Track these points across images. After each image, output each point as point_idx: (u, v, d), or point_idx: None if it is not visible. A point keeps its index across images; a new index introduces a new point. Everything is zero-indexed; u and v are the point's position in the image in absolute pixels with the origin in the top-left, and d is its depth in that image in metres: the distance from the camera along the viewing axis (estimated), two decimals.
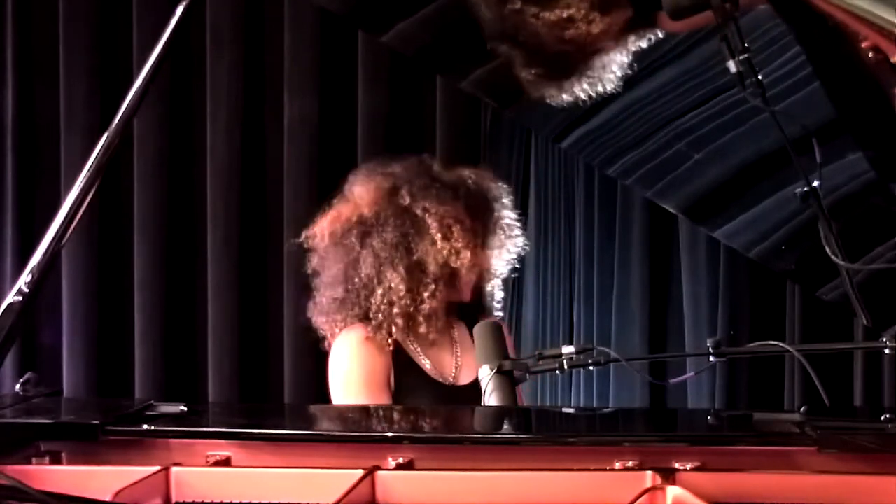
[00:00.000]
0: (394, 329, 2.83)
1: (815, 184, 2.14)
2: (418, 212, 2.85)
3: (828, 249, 2.17)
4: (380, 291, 2.82)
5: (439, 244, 2.83)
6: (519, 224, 3.04)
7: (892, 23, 1.76)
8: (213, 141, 4.26)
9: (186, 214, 4.35)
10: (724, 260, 3.92)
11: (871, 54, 1.87)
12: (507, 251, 3.00)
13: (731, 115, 2.53)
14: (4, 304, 1.88)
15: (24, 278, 1.90)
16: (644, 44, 2.16)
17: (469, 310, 2.96)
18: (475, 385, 2.80)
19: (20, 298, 1.88)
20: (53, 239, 1.94)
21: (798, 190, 2.17)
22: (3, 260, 4.39)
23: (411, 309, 2.82)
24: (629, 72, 2.20)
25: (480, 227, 2.91)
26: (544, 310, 4.13)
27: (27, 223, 4.36)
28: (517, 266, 3.09)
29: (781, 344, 2.17)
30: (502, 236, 2.98)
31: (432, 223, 2.84)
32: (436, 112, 4.14)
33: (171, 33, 2.09)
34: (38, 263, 1.92)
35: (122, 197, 4.33)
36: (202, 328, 4.31)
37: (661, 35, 2.33)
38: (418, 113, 4.19)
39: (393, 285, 2.82)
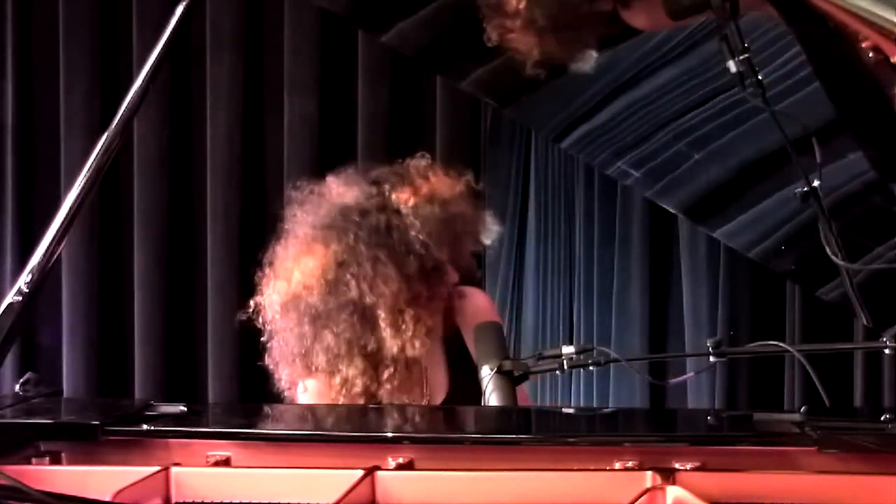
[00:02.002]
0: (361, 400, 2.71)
1: (815, 184, 2.14)
2: (367, 301, 2.68)
3: (828, 249, 2.17)
4: (338, 380, 2.70)
5: (392, 337, 2.68)
6: (484, 206, 2.93)
7: (893, 23, 1.76)
8: (213, 141, 4.26)
9: (186, 214, 4.35)
10: (724, 260, 3.92)
11: (871, 54, 1.87)
12: (478, 241, 2.87)
13: (731, 115, 2.53)
14: (4, 304, 1.88)
15: (24, 278, 1.90)
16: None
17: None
18: (449, 401, 2.79)
19: (20, 298, 1.88)
20: (53, 239, 1.94)
21: (798, 190, 2.17)
22: (3, 260, 4.39)
23: (374, 389, 2.70)
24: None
25: (447, 252, 2.74)
26: (544, 310, 4.13)
27: (27, 223, 4.36)
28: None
29: (781, 344, 2.17)
30: (473, 236, 2.85)
31: (382, 314, 2.67)
32: (436, 112, 4.14)
33: (171, 33, 2.09)
34: (38, 263, 1.92)
35: (122, 197, 4.33)
36: (202, 328, 4.31)
37: (659, 36, 2.34)
38: (418, 113, 4.19)
39: (350, 376, 2.69)
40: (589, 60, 2.17)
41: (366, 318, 2.69)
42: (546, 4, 2.02)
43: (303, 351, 2.74)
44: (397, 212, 2.73)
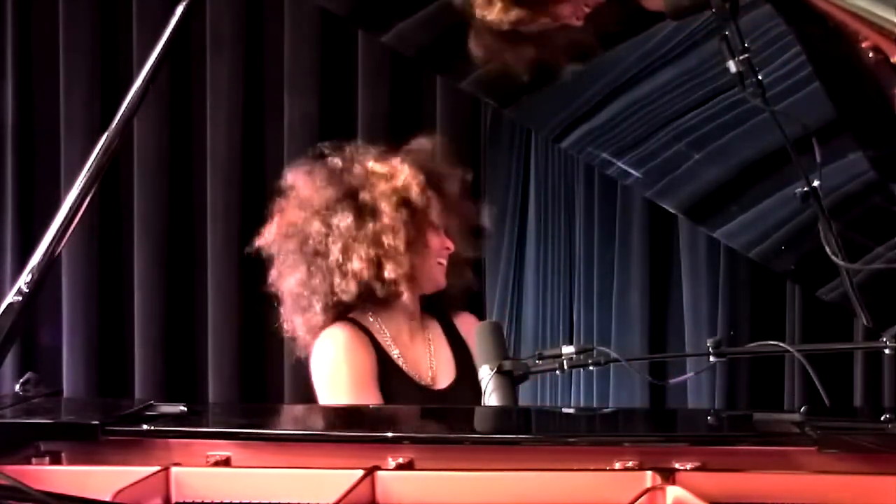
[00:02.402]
0: (369, 316, 2.82)
1: (815, 184, 2.14)
2: (366, 198, 2.81)
3: (828, 249, 2.17)
4: (351, 276, 2.79)
5: (392, 221, 2.79)
6: (476, 202, 3.02)
7: (893, 23, 1.77)
8: (213, 141, 4.26)
9: (186, 214, 4.35)
10: (724, 260, 3.91)
11: (871, 54, 1.87)
12: (469, 233, 2.96)
13: (731, 115, 2.53)
14: (4, 304, 1.89)
15: (24, 278, 1.90)
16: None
17: (438, 305, 2.95)
18: (453, 389, 2.82)
19: (20, 298, 1.89)
20: (53, 239, 1.94)
21: (798, 190, 2.17)
22: (3, 260, 4.39)
23: (378, 288, 2.79)
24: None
25: (437, 209, 2.87)
26: (544, 310, 4.13)
27: (27, 223, 4.36)
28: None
29: (781, 344, 2.17)
30: (460, 217, 2.94)
31: (382, 205, 2.80)
32: (436, 112, 4.14)
33: (171, 33, 2.10)
34: (38, 263, 1.92)
35: (122, 197, 4.32)
36: (202, 328, 4.31)
37: (659, 36, 2.34)
38: (418, 113, 4.18)
39: (359, 266, 2.78)
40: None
41: (366, 208, 2.81)
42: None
43: (305, 255, 2.82)
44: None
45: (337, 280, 2.80)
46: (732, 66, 1.99)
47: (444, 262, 2.90)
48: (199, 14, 4.13)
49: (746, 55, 1.98)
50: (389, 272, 2.78)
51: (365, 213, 2.80)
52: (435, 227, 2.87)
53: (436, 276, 2.90)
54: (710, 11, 1.98)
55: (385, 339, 2.86)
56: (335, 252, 2.80)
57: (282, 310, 2.94)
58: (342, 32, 4.14)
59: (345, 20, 3.88)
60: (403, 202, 2.81)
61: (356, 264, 2.78)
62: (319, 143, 2.98)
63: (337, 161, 2.88)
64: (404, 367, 2.85)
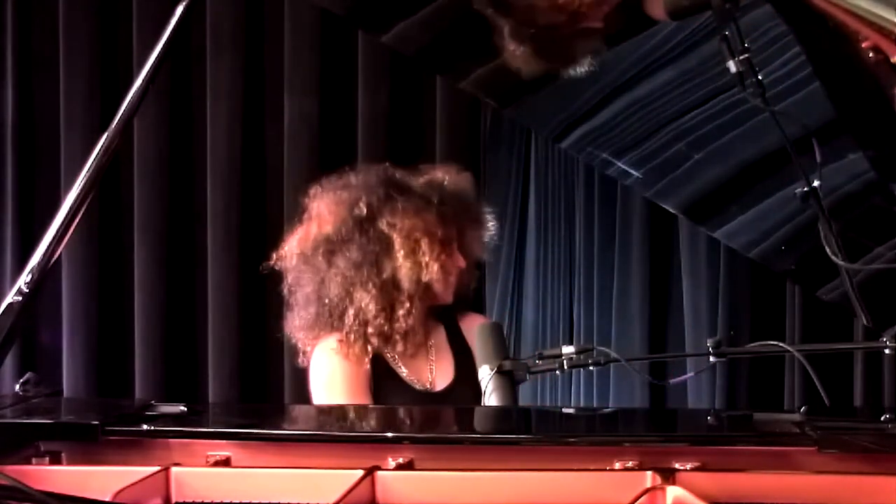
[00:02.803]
0: (369, 347, 2.80)
1: (816, 184, 2.14)
2: (382, 227, 2.80)
3: (828, 249, 2.17)
4: (352, 312, 2.79)
5: (407, 261, 2.78)
6: (489, 211, 3.01)
7: (893, 22, 1.77)
8: (213, 141, 4.26)
9: (186, 214, 4.35)
10: (724, 260, 3.91)
11: (871, 54, 1.87)
12: (480, 241, 2.97)
13: (731, 115, 2.52)
14: (4, 304, 1.88)
15: (24, 278, 1.90)
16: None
17: (446, 308, 2.93)
18: (451, 390, 2.83)
19: (20, 298, 1.88)
20: (53, 239, 1.94)
21: (798, 190, 2.17)
22: (3, 260, 4.39)
23: (386, 328, 2.79)
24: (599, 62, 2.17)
25: (455, 231, 2.87)
26: (544, 310, 4.13)
27: (27, 223, 4.36)
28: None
29: (781, 344, 2.17)
30: (479, 230, 2.95)
31: (397, 239, 2.79)
32: (436, 112, 4.14)
33: (171, 33, 2.10)
34: (38, 263, 1.92)
35: (122, 197, 4.33)
36: (202, 328, 4.31)
37: (659, 36, 2.33)
38: (418, 113, 4.18)
39: (363, 305, 2.78)
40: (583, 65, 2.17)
41: (380, 240, 2.79)
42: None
43: (317, 288, 2.82)
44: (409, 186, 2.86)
45: (343, 316, 2.81)
46: (732, 66, 1.99)
47: (454, 278, 2.89)
48: (199, 14, 4.13)
49: (746, 55, 1.98)
50: (399, 318, 2.79)
51: (378, 255, 2.79)
52: (450, 250, 2.86)
53: (445, 294, 2.88)
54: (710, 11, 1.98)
55: (382, 346, 2.83)
56: (343, 289, 2.80)
57: (288, 318, 2.94)
58: (342, 32, 4.14)
59: (345, 20, 3.88)
60: (417, 238, 2.80)
61: (363, 305, 2.78)
62: (348, 167, 2.97)
63: (356, 185, 2.86)
64: (402, 373, 2.85)
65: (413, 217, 2.80)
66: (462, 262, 2.89)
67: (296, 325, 2.90)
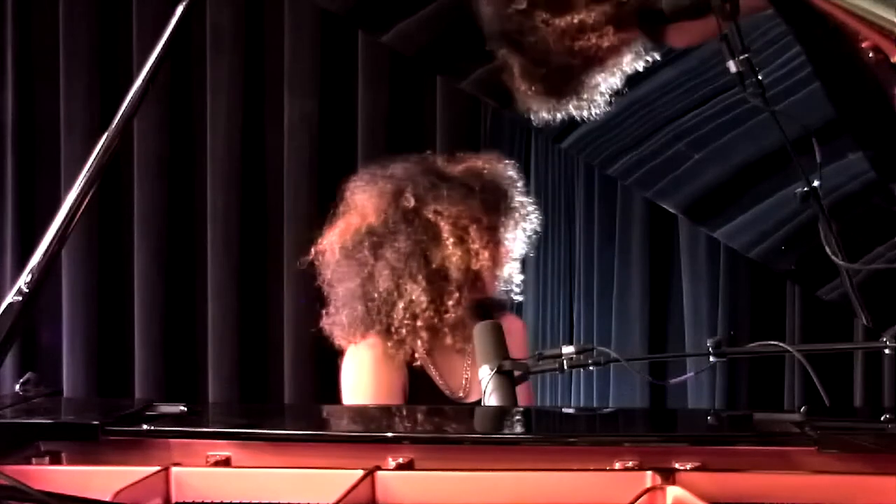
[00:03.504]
0: (419, 343, 2.74)
1: (816, 184, 2.14)
2: (429, 216, 2.73)
3: (828, 249, 2.17)
4: (401, 305, 2.72)
5: (456, 249, 2.72)
6: (531, 201, 2.94)
7: (893, 22, 1.76)
8: (213, 141, 4.26)
9: (186, 214, 4.35)
10: (724, 260, 3.92)
11: (871, 54, 1.87)
12: (523, 233, 2.89)
13: (731, 115, 2.53)
14: (4, 304, 1.88)
15: (24, 278, 1.90)
16: (639, 65, 2.13)
17: (486, 310, 2.85)
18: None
19: (20, 298, 1.88)
20: (53, 239, 1.93)
21: (798, 190, 2.17)
22: (3, 260, 4.39)
23: (436, 320, 2.72)
24: (616, 93, 2.16)
25: (498, 219, 2.80)
26: (544, 310, 4.13)
27: (27, 223, 4.36)
28: (531, 250, 2.99)
29: (781, 344, 2.16)
30: (520, 221, 2.87)
31: (445, 227, 2.72)
32: (436, 112, 4.14)
33: (171, 33, 2.09)
34: (38, 263, 1.91)
35: (122, 197, 4.33)
36: (202, 328, 4.31)
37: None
38: (418, 113, 4.19)
39: (414, 297, 2.71)
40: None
41: (427, 229, 2.72)
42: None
43: (362, 283, 2.73)
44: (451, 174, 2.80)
45: (392, 311, 2.73)
46: (732, 66, 1.98)
47: (501, 269, 2.84)
48: (199, 14, 4.13)
49: (746, 55, 1.98)
50: (449, 309, 2.73)
51: (426, 244, 2.74)
52: (497, 237, 2.80)
53: (492, 286, 2.83)
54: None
55: (421, 350, 2.78)
56: (392, 281, 2.73)
57: (327, 315, 2.85)
58: (342, 32, 4.14)
59: (345, 20, 3.88)
60: (465, 225, 2.74)
61: (414, 297, 2.72)
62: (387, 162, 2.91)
63: (398, 175, 2.81)
64: (436, 379, 2.81)
65: (459, 204, 2.73)
66: (508, 253, 2.84)
67: (336, 321, 2.81)
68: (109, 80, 4.31)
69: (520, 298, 2.98)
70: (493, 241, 2.76)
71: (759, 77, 2.02)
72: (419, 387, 2.78)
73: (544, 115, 2.14)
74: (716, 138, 2.64)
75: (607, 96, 2.12)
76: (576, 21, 1.96)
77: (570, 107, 2.12)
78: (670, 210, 3.10)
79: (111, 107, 2.19)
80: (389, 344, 2.74)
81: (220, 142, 4.25)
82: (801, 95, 2.32)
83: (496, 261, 2.79)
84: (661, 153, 2.72)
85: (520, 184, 2.91)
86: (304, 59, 4.18)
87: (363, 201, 2.81)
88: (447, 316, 2.73)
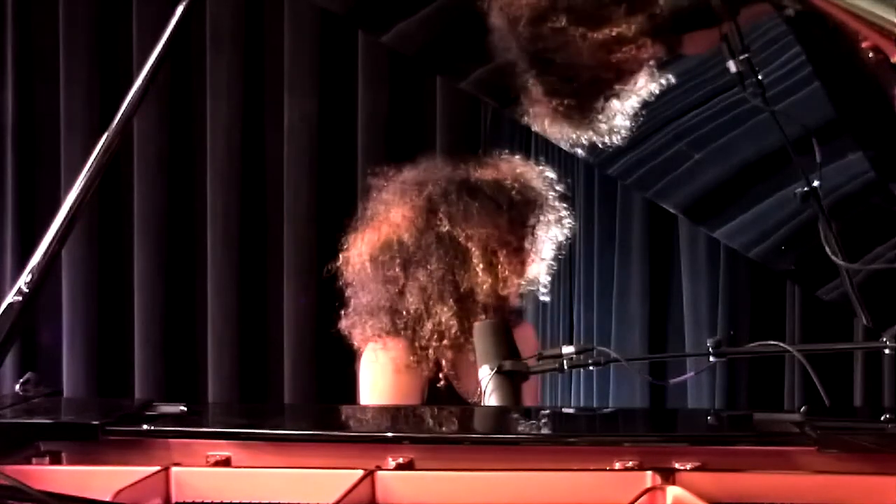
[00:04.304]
0: (443, 362, 2.70)
1: (815, 184, 2.14)
2: (461, 239, 2.70)
3: (828, 249, 2.17)
4: (429, 326, 2.69)
5: (486, 276, 2.69)
6: (564, 207, 2.89)
7: (893, 23, 1.76)
8: (213, 141, 4.26)
9: (186, 214, 4.35)
10: (724, 260, 3.92)
11: (871, 54, 1.87)
12: (554, 239, 2.85)
13: (731, 115, 2.52)
14: (4, 304, 1.88)
15: (24, 278, 1.90)
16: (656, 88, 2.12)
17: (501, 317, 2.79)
18: None
19: (20, 298, 1.88)
20: (53, 239, 1.94)
21: (798, 190, 2.17)
22: (3, 260, 4.39)
23: (462, 340, 2.69)
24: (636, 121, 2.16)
25: (529, 235, 2.77)
26: (544, 310, 4.13)
27: (27, 223, 4.36)
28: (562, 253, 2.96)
29: (781, 344, 2.17)
30: (550, 227, 2.83)
31: (475, 251, 2.69)
32: (436, 112, 4.14)
33: (171, 33, 2.09)
34: (38, 263, 1.91)
35: (122, 197, 4.33)
36: (202, 328, 4.31)
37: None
38: (418, 113, 4.19)
39: (444, 319, 2.68)
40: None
41: (458, 253, 2.69)
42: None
43: (390, 298, 2.72)
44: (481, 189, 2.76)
45: (420, 329, 2.71)
46: (732, 66, 1.99)
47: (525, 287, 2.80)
48: (199, 14, 4.13)
49: (746, 55, 1.98)
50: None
51: (457, 268, 2.70)
52: (524, 257, 2.77)
53: (515, 301, 2.80)
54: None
55: (445, 368, 2.75)
56: (422, 302, 2.70)
57: (349, 320, 2.81)
58: (342, 32, 4.14)
59: (345, 20, 3.88)
60: (495, 249, 2.71)
61: (444, 319, 2.68)
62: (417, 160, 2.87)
63: (428, 187, 2.75)
64: (454, 383, 2.77)
65: (488, 226, 2.70)
66: (538, 267, 2.81)
67: (357, 325, 2.77)
68: (109, 80, 4.31)
69: (545, 299, 2.96)
70: (521, 261, 2.74)
71: (759, 77, 2.02)
72: (437, 390, 2.75)
73: (568, 137, 2.13)
74: (716, 138, 2.63)
75: (628, 121, 2.12)
76: (614, 33, 1.93)
77: (593, 131, 2.11)
78: (670, 210, 3.10)
79: (111, 107, 2.19)
80: (413, 357, 2.72)
81: (220, 142, 4.25)
82: (801, 95, 2.32)
83: (523, 276, 2.77)
84: (661, 153, 2.72)
85: (553, 189, 2.86)
86: (304, 59, 4.18)
87: (394, 212, 2.77)
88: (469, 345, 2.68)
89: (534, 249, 2.80)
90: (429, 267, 2.70)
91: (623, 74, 2.00)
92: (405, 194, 2.77)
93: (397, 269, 2.73)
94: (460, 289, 2.70)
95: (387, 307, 2.74)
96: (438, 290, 2.69)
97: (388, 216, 2.78)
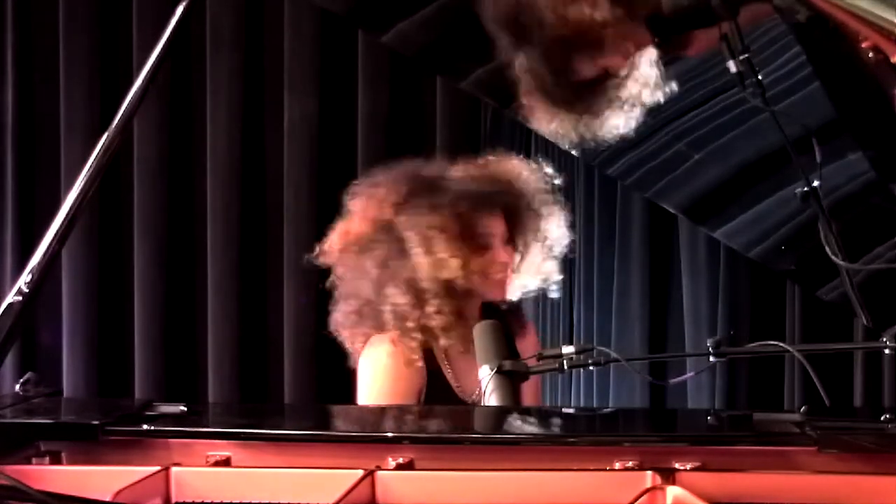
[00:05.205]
0: (414, 341, 2.74)
1: (815, 184, 2.14)
2: (399, 226, 2.77)
3: (828, 249, 2.17)
4: (388, 308, 2.76)
5: (422, 259, 2.74)
6: (556, 202, 2.92)
7: (892, 23, 1.77)
8: (213, 141, 4.26)
9: (186, 214, 4.35)
10: (724, 260, 3.92)
11: (871, 54, 1.87)
12: (544, 236, 2.88)
13: (731, 115, 2.52)
14: (4, 304, 1.88)
15: (24, 278, 1.90)
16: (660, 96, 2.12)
17: (501, 313, 2.83)
18: None
19: (20, 298, 1.88)
20: (53, 239, 1.93)
21: (798, 190, 2.17)
22: (3, 260, 4.39)
23: (425, 323, 2.73)
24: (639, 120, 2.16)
25: (479, 224, 2.79)
26: (544, 310, 4.13)
27: (27, 223, 4.36)
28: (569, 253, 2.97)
29: (781, 344, 2.16)
30: (531, 222, 2.86)
31: (411, 237, 2.75)
32: (436, 112, 4.14)
33: (171, 33, 2.09)
34: (38, 263, 1.91)
35: (122, 197, 4.33)
36: (202, 328, 4.31)
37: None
38: (418, 113, 4.19)
39: (396, 301, 2.74)
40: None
41: (398, 239, 2.77)
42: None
43: (353, 286, 2.82)
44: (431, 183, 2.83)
45: (381, 312, 2.78)
46: (732, 66, 1.99)
47: (502, 275, 2.81)
48: (199, 14, 4.13)
49: (746, 55, 1.98)
50: (432, 315, 2.74)
51: (398, 252, 2.77)
52: (477, 245, 2.79)
53: (493, 291, 2.81)
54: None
55: (438, 352, 2.79)
56: (375, 285, 2.78)
57: (333, 314, 2.89)
58: (342, 32, 4.14)
59: (345, 20, 3.88)
60: (430, 236, 2.75)
61: (396, 301, 2.75)
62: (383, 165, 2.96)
63: (384, 184, 2.85)
64: (452, 382, 2.79)
65: (430, 213, 2.75)
66: (504, 257, 2.81)
67: (339, 321, 2.87)
68: (109, 80, 4.31)
69: (555, 296, 3.00)
70: (472, 249, 2.75)
71: (759, 77, 2.02)
72: (436, 389, 2.77)
73: (564, 132, 2.14)
74: (716, 138, 2.63)
75: (628, 113, 2.12)
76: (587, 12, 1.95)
77: (586, 123, 2.12)
78: (670, 210, 3.10)
79: (111, 107, 2.19)
80: (396, 340, 2.76)
81: (220, 141, 4.25)
82: (801, 95, 2.32)
83: (484, 268, 2.77)
84: (661, 153, 2.72)
85: (544, 187, 2.90)
86: (304, 59, 4.18)
87: (355, 207, 2.87)
88: (434, 323, 2.74)
89: (511, 236, 2.81)
90: (375, 252, 2.78)
91: (587, 39, 2.00)
92: (364, 187, 2.89)
93: (354, 257, 2.82)
94: (405, 273, 2.75)
95: (353, 295, 2.82)
96: (384, 273, 2.76)
97: (350, 210, 2.89)
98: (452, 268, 2.74)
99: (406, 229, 2.76)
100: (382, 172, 2.91)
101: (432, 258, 2.74)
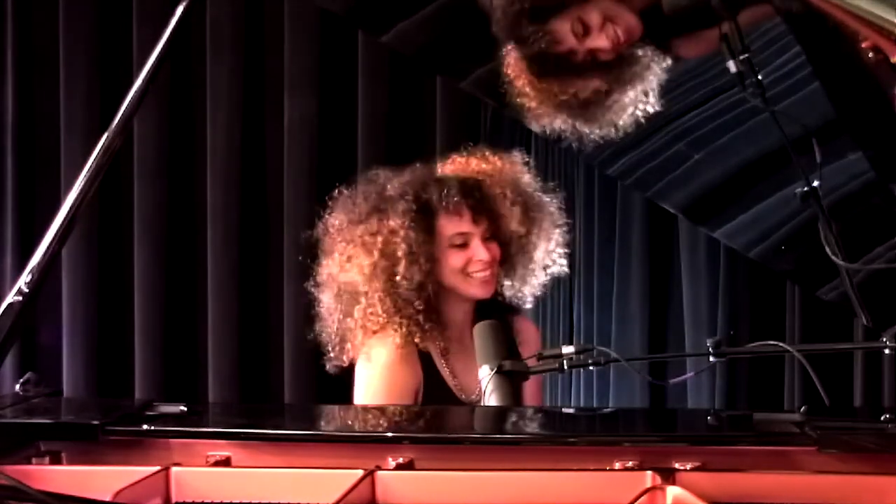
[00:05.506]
0: (405, 340, 2.75)
1: (815, 184, 2.14)
2: (366, 233, 2.79)
3: (828, 249, 2.17)
4: (365, 310, 2.79)
5: (383, 261, 2.76)
6: (545, 191, 2.93)
7: (892, 23, 1.77)
8: (213, 141, 4.26)
9: (186, 214, 4.35)
10: (724, 260, 3.92)
11: (871, 54, 1.87)
12: (523, 226, 2.86)
13: (731, 115, 2.53)
14: (4, 304, 1.88)
15: (24, 278, 1.90)
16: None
17: (497, 309, 2.82)
18: None
19: (20, 298, 1.88)
20: (53, 239, 1.94)
21: (798, 190, 2.17)
22: (3, 260, 4.39)
23: (407, 319, 2.74)
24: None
25: (443, 227, 2.77)
26: (544, 310, 4.13)
27: (27, 223, 4.36)
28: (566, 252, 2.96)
29: (781, 344, 2.17)
30: (509, 216, 2.84)
31: (378, 242, 2.78)
32: (436, 112, 4.14)
33: (171, 33, 2.10)
34: (38, 263, 1.92)
35: (122, 197, 4.33)
36: (202, 328, 4.31)
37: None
38: (418, 113, 4.19)
39: (373, 302, 2.78)
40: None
41: (364, 245, 2.80)
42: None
43: (337, 288, 2.85)
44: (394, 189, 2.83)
45: (365, 311, 2.80)
46: (732, 66, 1.99)
47: (483, 273, 2.78)
48: (199, 14, 4.13)
49: (746, 55, 1.98)
50: (409, 311, 2.76)
51: (364, 252, 2.79)
52: (453, 244, 2.78)
53: (473, 289, 2.79)
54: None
55: (436, 352, 2.79)
56: (350, 290, 2.82)
57: (325, 317, 2.90)
58: (342, 32, 4.14)
59: (345, 20, 3.88)
60: (394, 242, 2.76)
61: (374, 303, 2.78)
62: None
63: (357, 193, 2.87)
64: (450, 382, 2.79)
65: (391, 219, 2.76)
66: (483, 255, 2.78)
67: (328, 323, 2.89)
68: (109, 80, 4.31)
69: (528, 306, 2.96)
70: (429, 249, 2.76)
71: (759, 77, 2.02)
72: (433, 388, 2.77)
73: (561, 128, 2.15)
74: (716, 138, 2.64)
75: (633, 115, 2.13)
76: None
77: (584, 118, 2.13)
78: (670, 210, 3.10)
79: (111, 107, 2.19)
80: (396, 336, 2.76)
81: (220, 141, 4.25)
82: (801, 95, 2.32)
83: (452, 267, 2.77)
84: (661, 153, 2.72)
85: (535, 190, 2.92)
86: (304, 59, 4.17)
87: (333, 219, 2.90)
88: (403, 319, 2.75)
89: (492, 232, 2.81)
90: (335, 256, 2.83)
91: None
92: (342, 199, 2.90)
93: (323, 261, 2.87)
94: (380, 279, 2.77)
95: (336, 297, 2.85)
96: (362, 279, 2.78)
97: (329, 221, 2.91)
98: (413, 272, 2.74)
99: (351, 233, 2.80)
100: (354, 186, 2.91)
101: (370, 261, 2.77)
